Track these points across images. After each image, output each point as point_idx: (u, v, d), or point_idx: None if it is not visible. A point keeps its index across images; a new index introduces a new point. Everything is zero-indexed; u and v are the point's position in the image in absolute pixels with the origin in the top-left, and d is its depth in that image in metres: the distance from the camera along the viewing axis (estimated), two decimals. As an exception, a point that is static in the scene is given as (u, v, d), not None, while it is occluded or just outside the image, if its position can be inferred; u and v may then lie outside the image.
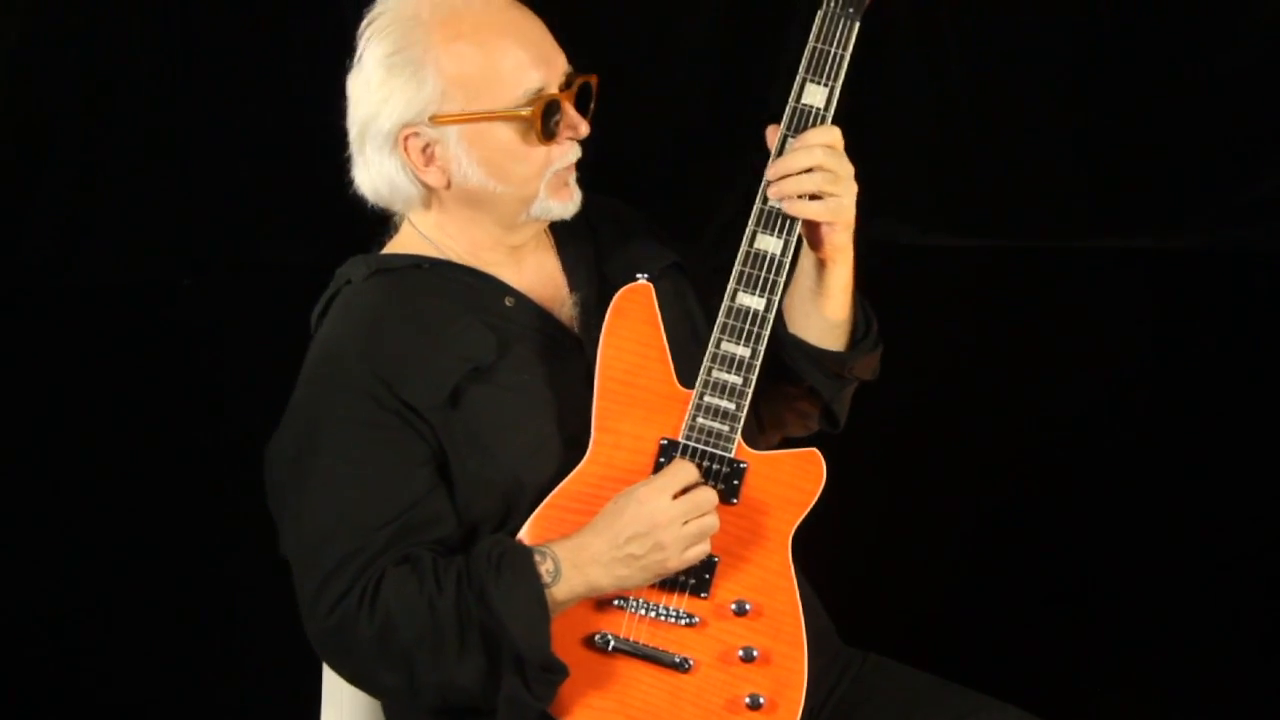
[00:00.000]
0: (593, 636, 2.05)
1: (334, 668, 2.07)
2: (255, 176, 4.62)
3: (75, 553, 3.67)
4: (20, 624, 3.48)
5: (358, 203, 2.17)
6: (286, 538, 2.07)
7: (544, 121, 2.05)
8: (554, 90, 2.06)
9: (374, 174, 2.11)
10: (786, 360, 2.17)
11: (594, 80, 2.12)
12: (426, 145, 2.07)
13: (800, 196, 2.04)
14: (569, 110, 2.08)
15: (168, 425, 4.07)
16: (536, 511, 2.06)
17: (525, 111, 2.03)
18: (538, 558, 1.99)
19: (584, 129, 2.10)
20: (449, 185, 2.09)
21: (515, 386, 2.09)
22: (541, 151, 2.07)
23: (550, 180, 2.09)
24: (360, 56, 2.08)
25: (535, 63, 2.05)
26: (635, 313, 2.11)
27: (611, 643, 2.04)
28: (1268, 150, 4.77)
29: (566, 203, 2.12)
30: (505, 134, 2.05)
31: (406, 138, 2.06)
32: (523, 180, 2.09)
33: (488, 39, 2.03)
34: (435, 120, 2.05)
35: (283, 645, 2.35)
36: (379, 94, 2.05)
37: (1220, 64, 4.71)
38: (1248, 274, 4.70)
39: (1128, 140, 4.78)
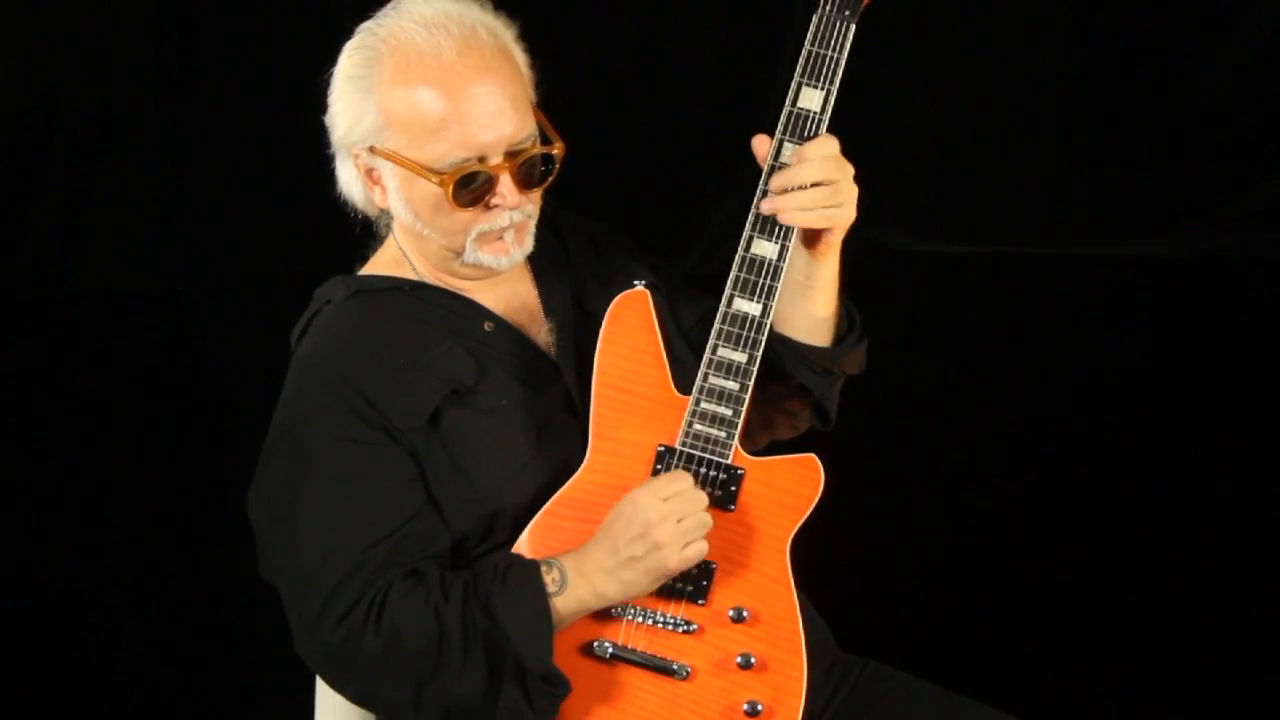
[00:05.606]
0: (591, 644, 2.04)
1: (337, 685, 2.05)
2: (255, 189, 4.63)
3: (70, 554, 3.66)
4: (7, 627, 3.47)
5: (354, 216, 2.19)
6: (278, 559, 2.06)
7: (456, 191, 2.02)
8: (495, 159, 2.03)
9: (341, 174, 2.14)
10: (775, 360, 2.15)
11: (556, 150, 2.07)
12: (371, 169, 2.09)
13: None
14: (502, 181, 2.04)
15: (164, 429, 4.07)
16: (535, 520, 2.05)
17: (435, 179, 2.02)
18: (544, 568, 1.99)
19: (513, 200, 2.05)
20: (390, 209, 2.12)
21: (494, 410, 2.09)
22: (466, 213, 2.05)
23: (478, 237, 2.08)
24: (337, 64, 2.09)
25: (475, 129, 2.01)
26: (632, 319, 2.10)
27: (610, 650, 2.04)
28: (1262, 159, 4.79)
29: (500, 256, 2.09)
30: (428, 188, 2.04)
31: (355, 154, 2.08)
32: (446, 232, 2.08)
33: (431, 93, 2.01)
34: (374, 152, 2.06)
35: (278, 654, 2.33)
36: (337, 107, 2.08)
37: (1214, 74, 4.73)
38: (1242, 280, 4.71)
39: (1122, 148, 4.80)
